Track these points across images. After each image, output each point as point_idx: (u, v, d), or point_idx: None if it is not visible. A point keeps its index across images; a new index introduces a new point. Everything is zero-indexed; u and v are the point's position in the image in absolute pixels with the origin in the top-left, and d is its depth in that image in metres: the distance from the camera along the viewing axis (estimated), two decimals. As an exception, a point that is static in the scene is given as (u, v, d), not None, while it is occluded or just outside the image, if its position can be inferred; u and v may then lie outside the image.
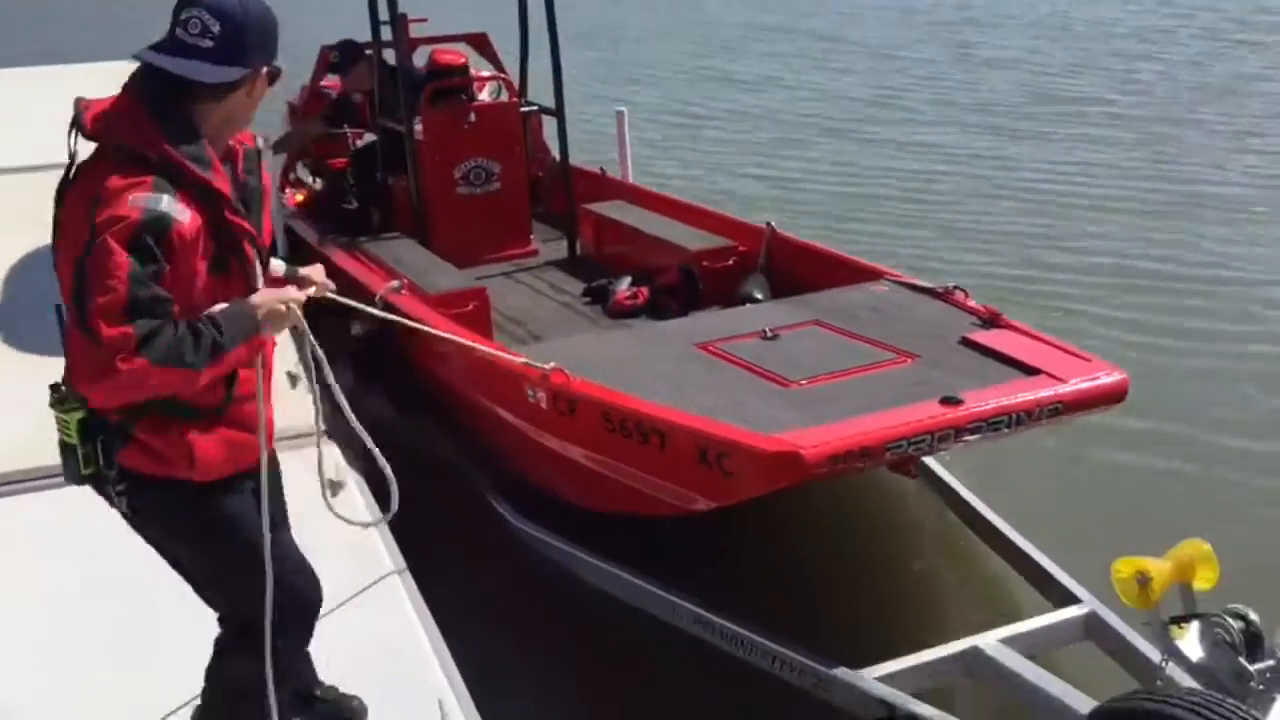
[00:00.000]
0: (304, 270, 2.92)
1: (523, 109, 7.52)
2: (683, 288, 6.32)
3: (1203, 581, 3.43)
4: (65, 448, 2.62)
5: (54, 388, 2.61)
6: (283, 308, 2.65)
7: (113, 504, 2.73)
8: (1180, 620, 3.41)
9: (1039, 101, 14.32)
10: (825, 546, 5.03)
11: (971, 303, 5.12)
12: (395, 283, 5.72)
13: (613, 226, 7.12)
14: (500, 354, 4.74)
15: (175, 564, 2.94)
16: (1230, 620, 3.33)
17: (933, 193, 10.81)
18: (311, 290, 2.84)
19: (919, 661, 3.81)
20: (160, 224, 2.43)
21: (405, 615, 3.94)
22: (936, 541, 5.11)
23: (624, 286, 6.48)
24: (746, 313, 5.44)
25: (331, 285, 2.97)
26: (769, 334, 4.90)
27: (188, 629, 3.11)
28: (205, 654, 3.03)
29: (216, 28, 2.50)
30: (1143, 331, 7.34)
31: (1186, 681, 3.36)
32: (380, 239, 6.87)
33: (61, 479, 2.76)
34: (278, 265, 2.84)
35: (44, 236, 2.67)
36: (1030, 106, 14.09)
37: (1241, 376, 6.72)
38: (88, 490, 2.74)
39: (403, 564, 4.19)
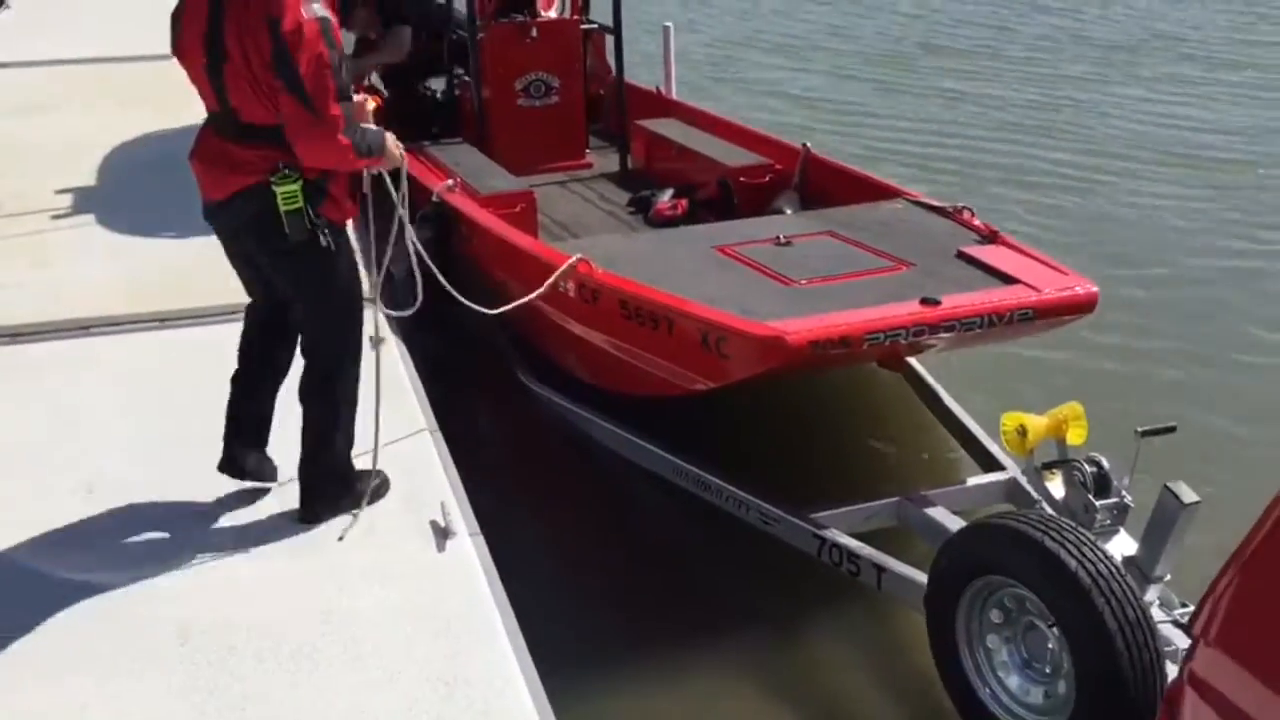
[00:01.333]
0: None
1: (582, 26, 7.94)
2: (719, 201, 6.75)
3: (1074, 437, 4.05)
4: (291, 214, 3.65)
5: (273, 170, 3.61)
6: (396, 152, 3.85)
7: (313, 252, 3.74)
8: (1051, 466, 4.06)
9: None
10: (799, 421, 5.65)
11: (975, 221, 5.50)
12: (450, 182, 6.22)
13: (662, 142, 7.53)
14: (534, 245, 5.23)
15: (313, 310, 3.98)
16: (1085, 465, 3.96)
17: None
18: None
19: (856, 508, 4.48)
20: (328, 23, 3.52)
21: (430, 463, 4.55)
22: (898, 419, 5.72)
23: (666, 198, 6.92)
24: (768, 222, 5.85)
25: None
26: (782, 240, 5.32)
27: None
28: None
29: None
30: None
31: None
32: (443, 144, 7.35)
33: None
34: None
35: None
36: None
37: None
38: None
39: (434, 424, 4.79)
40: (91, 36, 11.26)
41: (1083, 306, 4.67)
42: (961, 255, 5.07)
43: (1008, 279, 4.74)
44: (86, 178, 7.34)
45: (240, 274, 4.11)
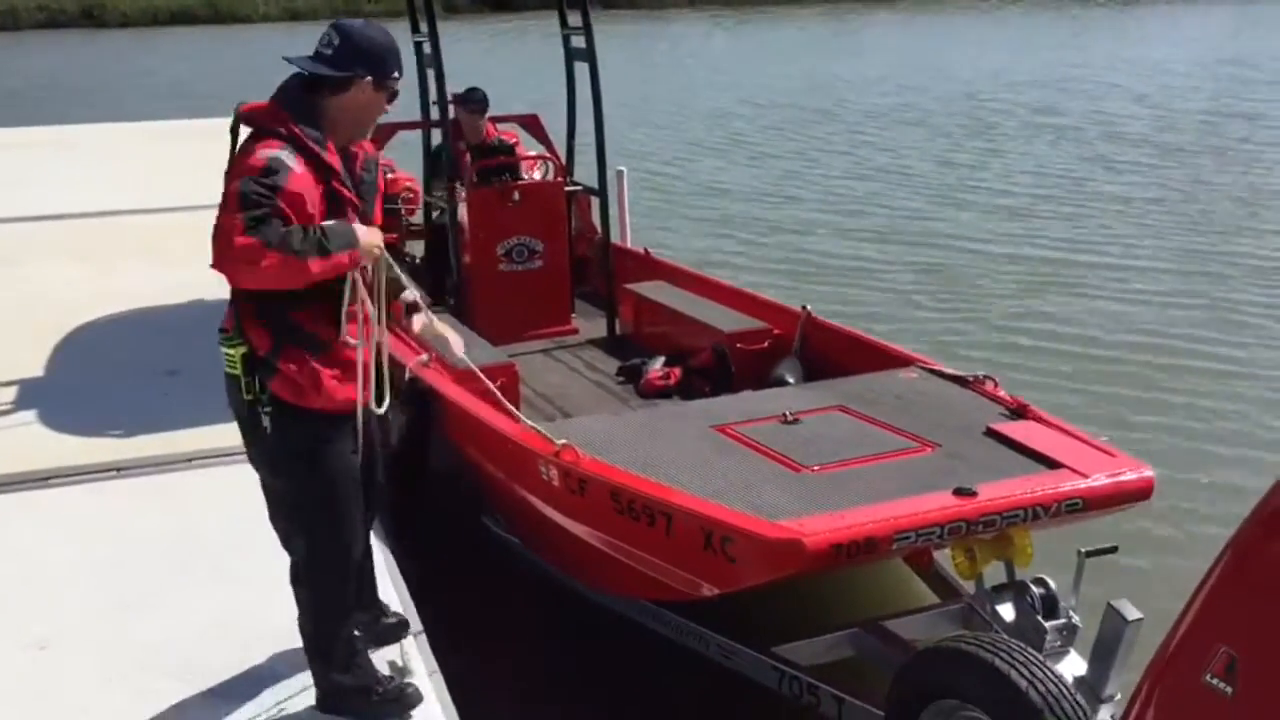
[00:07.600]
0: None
1: (567, 188, 7.57)
2: (715, 369, 6.27)
3: (1020, 559, 4.00)
4: (230, 379, 3.39)
5: (222, 329, 3.39)
6: (376, 249, 3.41)
7: (257, 430, 3.43)
8: (1001, 589, 4.08)
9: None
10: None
11: (1001, 392, 4.99)
12: (424, 356, 5.72)
13: (651, 306, 7.10)
14: (514, 428, 4.69)
15: (273, 496, 3.65)
16: (1033, 587, 3.99)
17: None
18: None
19: (814, 640, 4.37)
20: (276, 162, 3.21)
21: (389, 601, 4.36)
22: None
23: (657, 366, 6.45)
24: (771, 395, 5.34)
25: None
26: (789, 417, 4.80)
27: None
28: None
29: (337, 41, 3.36)
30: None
31: None
32: None
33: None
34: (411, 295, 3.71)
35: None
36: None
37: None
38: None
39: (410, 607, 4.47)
40: (57, 191, 11.45)
41: (1138, 494, 4.11)
42: (991, 433, 4.54)
43: (1050, 463, 4.20)
44: (47, 333, 7.30)
45: None
